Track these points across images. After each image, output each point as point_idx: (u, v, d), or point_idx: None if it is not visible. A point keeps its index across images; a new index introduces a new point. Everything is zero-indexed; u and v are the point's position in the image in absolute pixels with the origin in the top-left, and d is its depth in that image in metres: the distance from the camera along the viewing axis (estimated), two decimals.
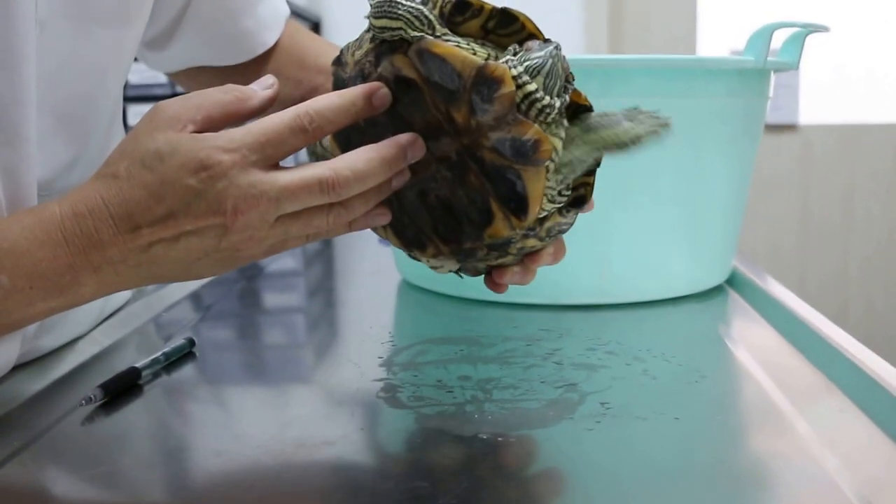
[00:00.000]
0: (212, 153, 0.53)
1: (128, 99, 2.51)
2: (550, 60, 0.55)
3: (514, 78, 0.54)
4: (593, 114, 0.59)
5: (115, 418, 0.64)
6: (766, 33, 0.88)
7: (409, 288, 1.01)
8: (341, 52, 0.61)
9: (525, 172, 0.57)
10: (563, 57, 0.56)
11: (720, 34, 2.95)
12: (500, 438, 0.57)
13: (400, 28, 0.56)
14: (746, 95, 0.92)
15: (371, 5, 0.57)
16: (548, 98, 0.55)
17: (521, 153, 0.56)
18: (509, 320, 0.86)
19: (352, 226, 0.60)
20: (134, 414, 0.66)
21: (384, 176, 0.57)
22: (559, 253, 0.64)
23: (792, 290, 0.92)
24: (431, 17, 0.56)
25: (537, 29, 0.58)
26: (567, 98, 0.57)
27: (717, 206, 0.95)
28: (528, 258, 0.62)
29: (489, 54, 0.57)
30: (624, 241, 0.90)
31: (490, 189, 0.58)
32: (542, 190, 0.58)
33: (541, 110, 0.55)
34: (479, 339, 0.78)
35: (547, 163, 0.56)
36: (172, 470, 0.57)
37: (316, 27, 2.98)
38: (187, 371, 0.74)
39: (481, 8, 0.57)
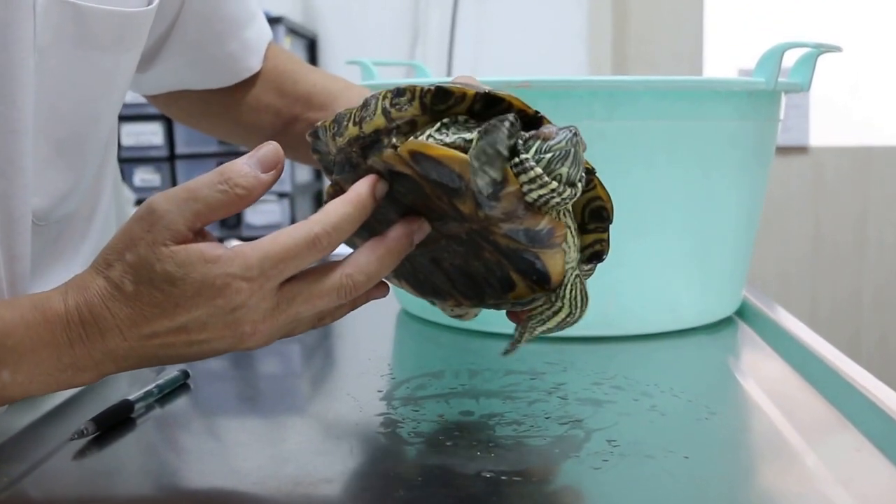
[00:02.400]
0: (229, 282, 0.52)
1: (121, 118, 2.51)
2: (573, 149, 0.53)
3: (531, 181, 0.52)
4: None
5: (108, 453, 0.63)
6: (777, 54, 0.86)
7: (408, 318, 0.99)
8: (317, 130, 0.59)
9: (543, 254, 0.55)
10: (582, 139, 0.54)
11: (727, 53, 2.93)
12: (503, 477, 0.56)
13: (384, 124, 0.54)
14: (756, 118, 0.90)
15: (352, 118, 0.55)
16: (568, 190, 0.53)
17: (536, 240, 0.54)
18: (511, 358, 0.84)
19: (355, 304, 0.59)
20: (127, 448, 0.64)
21: (393, 266, 0.57)
22: None
23: (803, 317, 0.90)
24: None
25: (524, 104, 0.56)
26: (584, 178, 0.55)
27: (727, 234, 0.93)
28: None
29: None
30: (632, 271, 0.88)
31: (508, 264, 0.57)
32: (563, 264, 0.57)
33: (555, 205, 0.54)
34: (481, 372, 0.76)
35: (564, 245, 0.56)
36: None
37: (312, 44, 2.97)
38: (181, 403, 0.72)
39: (464, 95, 0.55)
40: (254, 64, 0.90)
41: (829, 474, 0.57)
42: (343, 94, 0.89)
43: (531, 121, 0.56)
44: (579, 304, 0.59)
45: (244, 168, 0.53)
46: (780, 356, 0.83)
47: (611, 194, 0.59)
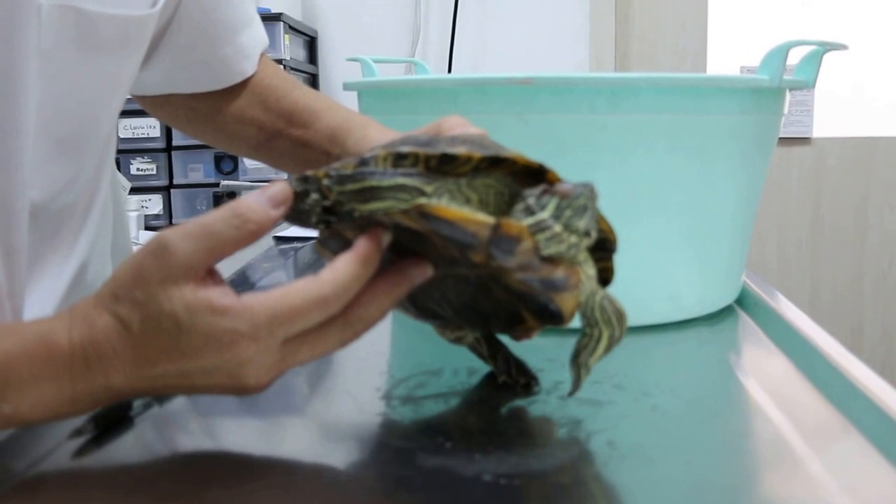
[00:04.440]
0: (236, 339, 0.52)
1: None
2: (589, 204, 0.54)
3: (550, 238, 0.53)
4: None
5: (106, 451, 0.62)
6: (782, 52, 0.86)
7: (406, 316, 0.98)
8: (307, 177, 0.58)
9: (558, 297, 0.55)
10: (596, 195, 0.54)
11: (730, 51, 2.93)
12: (503, 480, 0.55)
13: (390, 206, 0.53)
14: (760, 113, 0.90)
15: (347, 193, 0.54)
16: (585, 241, 0.54)
17: (551, 287, 0.55)
18: (511, 349, 0.83)
19: None
20: (125, 447, 0.64)
21: (393, 306, 0.57)
22: None
23: (803, 307, 0.89)
24: (416, 183, 0.53)
25: (527, 160, 0.56)
26: (597, 226, 0.56)
27: (725, 223, 0.92)
28: None
29: (503, 194, 0.56)
30: (631, 262, 0.87)
31: (519, 303, 0.57)
32: (577, 302, 0.57)
33: (573, 256, 0.54)
34: (480, 370, 0.75)
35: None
36: None
37: (312, 41, 2.96)
38: (179, 402, 0.71)
39: (469, 158, 0.55)
40: (247, 69, 0.90)
41: (832, 480, 0.56)
42: (326, 113, 0.89)
43: (534, 173, 0.57)
44: (616, 321, 0.59)
45: (255, 205, 0.54)
46: (782, 352, 0.82)
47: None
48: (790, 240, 2.99)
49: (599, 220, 0.59)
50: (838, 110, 2.93)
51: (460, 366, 0.76)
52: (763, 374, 0.79)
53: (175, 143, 2.69)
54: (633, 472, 0.57)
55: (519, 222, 0.53)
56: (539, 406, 0.68)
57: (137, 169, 2.70)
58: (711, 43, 2.95)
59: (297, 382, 0.81)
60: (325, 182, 0.55)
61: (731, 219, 0.93)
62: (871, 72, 2.91)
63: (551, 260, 0.54)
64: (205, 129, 0.96)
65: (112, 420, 0.65)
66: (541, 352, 0.81)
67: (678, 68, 2.92)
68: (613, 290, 0.86)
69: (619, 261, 0.86)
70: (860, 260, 3.00)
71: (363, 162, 0.54)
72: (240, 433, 0.67)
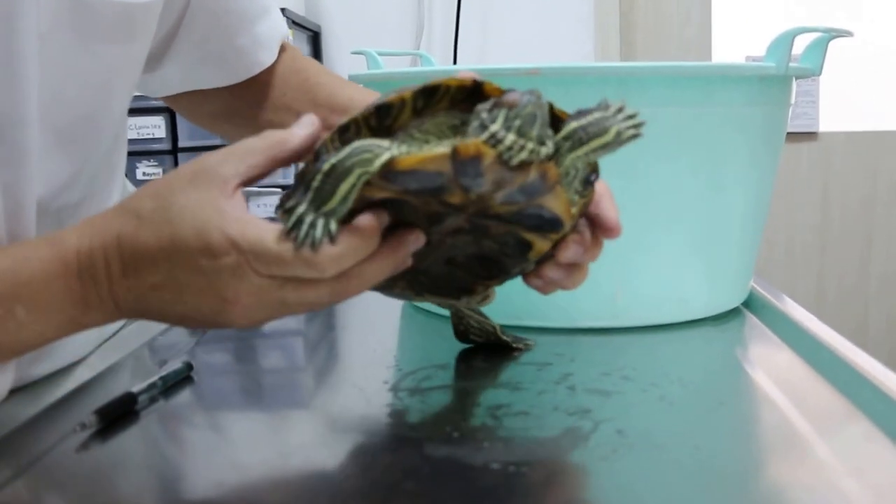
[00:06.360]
0: (223, 243, 0.52)
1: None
2: (538, 112, 0.54)
3: (509, 148, 0.53)
4: (574, 124, 0.57)
5: (111, 445, 0.62)
6: (788, 38, 0.85)
7: (413, 310, 0.98)
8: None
9: (545, 201, 0.55)
10: (544, 102, 0.55)
11: (735, 41, 2.91)
12: (511, 468, 0.55)
13: (361, 173, 0.53)
14: (767, 104, 0.89)
15: (323, 186, 0.54)
16: (543, 149, 0.54)
17: (533, 192, 0.55)
18: (520, 351, 0.83)
19: None
20: (130, 441, 0.64)
21: (389, 272, 0.57)
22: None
23: (809, 304, 0.89)
24: (370, 143, 0.53)
25: (459, 80, 0.57)
26: (552, 135, 0.56)
27: (735, 223, 0.92)
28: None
29: (456, 126, 0.57)
30: (639, 261, 0.88)
31: (518, 228, 0.57)
32: (567, 202, 0.57)
33: (538, 163, 0.54)
34: (487, 363, 0.75)
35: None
36: (170, 501, 0.55)
37: (316, 36, 2.96)
38: (184, 396, 0.71)
39: (403, 101, 0.55)
40: (265, 59, 0.88)
41: (839, 464, 0.56)
42: None
43: (471, 92, 0.57)
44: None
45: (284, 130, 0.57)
46: (789, 346, 0.82)
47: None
48: (797, 236, 2.98)
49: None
50: (844, 104, 2.91)
51: (467, 359, 0.76)
52: (770, 366, 0.79)
53: (181, 144, 2.68)
54: (642, 458, 0.57)
55: (474, 140, 0.53)
56: (547, 396, 0.68)
57: (143, 173, 2.69)
58: (716, 33, 2.94)
59: (303, 377, 0.81)
60: (290, 202, 0.55)
61: (741, 220, 0.92)
62: (877, 63, 2.90)
63: (521, 167, 0.54)
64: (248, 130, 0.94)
65: (118, 414, 0.65)
66: (549, 347, 0.81)
67: (683, 59, 2.90)
68: (621, 291, 0.87)
69: (625, 259, 0.86)
70: (867, 256, 2.98)
71: (316, 153, 0.55)
72: (246, 426, 0.67)
